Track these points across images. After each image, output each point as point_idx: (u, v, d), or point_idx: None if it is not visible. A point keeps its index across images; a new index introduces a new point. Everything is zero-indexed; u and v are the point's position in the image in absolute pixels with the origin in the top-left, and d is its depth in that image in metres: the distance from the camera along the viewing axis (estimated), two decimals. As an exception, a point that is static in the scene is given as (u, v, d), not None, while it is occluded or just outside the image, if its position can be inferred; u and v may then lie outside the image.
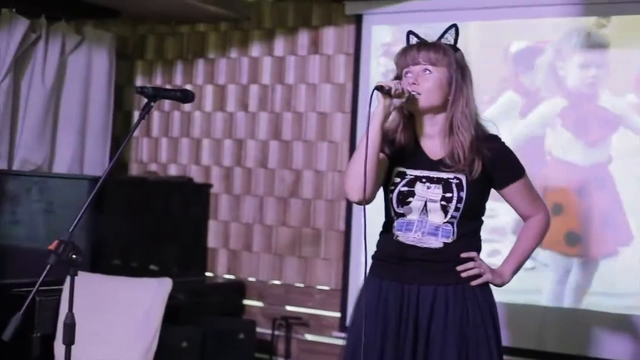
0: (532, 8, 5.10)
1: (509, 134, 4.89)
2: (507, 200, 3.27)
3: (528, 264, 3.39)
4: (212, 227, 6.18)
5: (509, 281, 3.26)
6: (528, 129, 5.09)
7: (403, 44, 3.23)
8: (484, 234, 3.23)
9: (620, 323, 4.82)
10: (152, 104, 2.92)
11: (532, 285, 4.93)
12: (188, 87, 6.14)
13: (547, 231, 3.32)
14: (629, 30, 4.88)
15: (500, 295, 3.28)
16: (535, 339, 5.01)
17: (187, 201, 6.12)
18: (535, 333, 5.01)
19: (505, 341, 3.27)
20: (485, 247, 3.24)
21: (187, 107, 6.27)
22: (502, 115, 5.06)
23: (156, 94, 2.94)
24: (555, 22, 5.05)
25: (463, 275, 3.13)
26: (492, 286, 3.22)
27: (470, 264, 3.14)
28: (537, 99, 5.09)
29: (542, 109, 5.07)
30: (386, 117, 3.07)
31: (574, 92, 4.99)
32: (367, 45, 5.56)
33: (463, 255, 3.14)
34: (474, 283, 3.13)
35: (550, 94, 5.06)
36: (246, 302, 6.01)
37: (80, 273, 2.75)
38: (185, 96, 3.07)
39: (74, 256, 2.68)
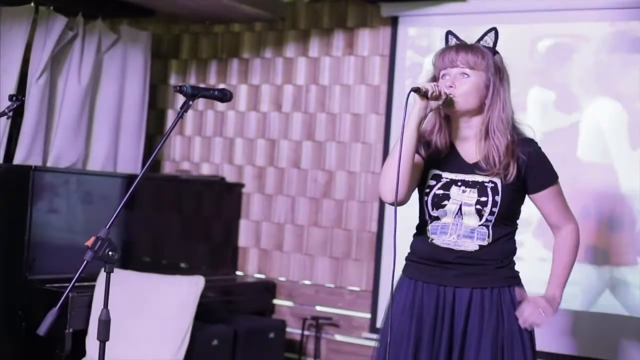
0: (565, 12, 5.07)
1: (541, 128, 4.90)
2: (537, 206, 3.24)
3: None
4: (244, 226, 6.19)
5: (560, 301, 3.22)
6: (562, 126, 5.05)
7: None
8: None
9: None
10: (191, 102, 2.93)
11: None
12: (222, 86, 6.15)
13: (579, 243, 3.27)
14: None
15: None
16: (570, 344, 4.98)
17: (219, 200, 6.14)
18: (570, 337, 4.98)
19: (540, 345, 3.25)
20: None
21: (221, 106, 6.29)
22: (533, 111, 5.07)
23: (195, 93, 2.94)
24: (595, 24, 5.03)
25: (522, 325, 3.10)
26: (526, 289, 3.21)
27: (525, 310, 3.10)
28: (574, 96, 5.06)
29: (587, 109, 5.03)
30: (422, 119, 3.07)
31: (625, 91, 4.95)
32: (403, 47, 5.54)
33: (517, 296, 3.12)
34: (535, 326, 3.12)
35: (596, 93, 5.02)
36: (276, 301, 6.01)
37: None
38: (223, 95, 3.06)
39: (110, 253, 2.70)
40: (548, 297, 3.16)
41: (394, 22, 5.61)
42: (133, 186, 2.82)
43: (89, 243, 2.68)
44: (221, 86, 6.16)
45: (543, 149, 3.20)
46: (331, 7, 5.93)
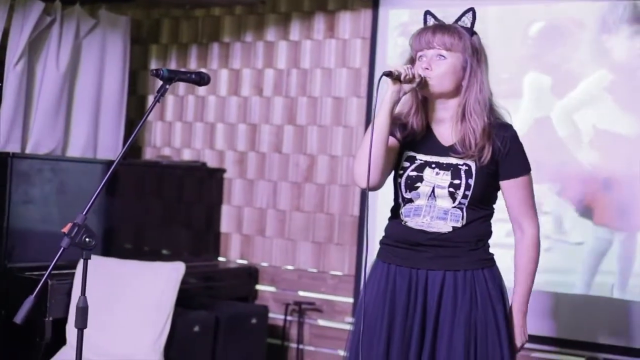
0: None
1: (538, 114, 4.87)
2: (504, 195, 3.19)
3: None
4: (226, 211, 6.16)
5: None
6: (566, 106, 5.01)
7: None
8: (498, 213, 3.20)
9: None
10: (167, 86, 2.91)
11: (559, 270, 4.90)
12: (203, 71, 6.11)
13: (539, 252, 3.21)
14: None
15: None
16: (551, 326, 4.98)
17: (201, 186, 6.11)
18: (554, 319, 4.98)
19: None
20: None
21: (201, 91, 6.25)
22: (531, 96, 5.03)
23: (172, 76, 2.93)
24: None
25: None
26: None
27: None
28: (574, 75, 5.00)
29: (585, 85, 4.97)
30: (395, 103, 3.06)
31: (620, 65, 4.90)
32: (384, 29, 5.51)
33: None
34: None
35: (593, 69, 4.96)
36: (259, 287, 5.99)
37: (92, 257, 2.74)
38: (200, 79, 3.06)
39: (87, 239, 2.67)
40: (516, 317, 3.21)
41: (374, 4, 5.57)
42: (110, 171, 2.79)
43: (65, 229, 2.66)
44: (202, 71, 6.12)
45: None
46: (312, -10, 5.91)
